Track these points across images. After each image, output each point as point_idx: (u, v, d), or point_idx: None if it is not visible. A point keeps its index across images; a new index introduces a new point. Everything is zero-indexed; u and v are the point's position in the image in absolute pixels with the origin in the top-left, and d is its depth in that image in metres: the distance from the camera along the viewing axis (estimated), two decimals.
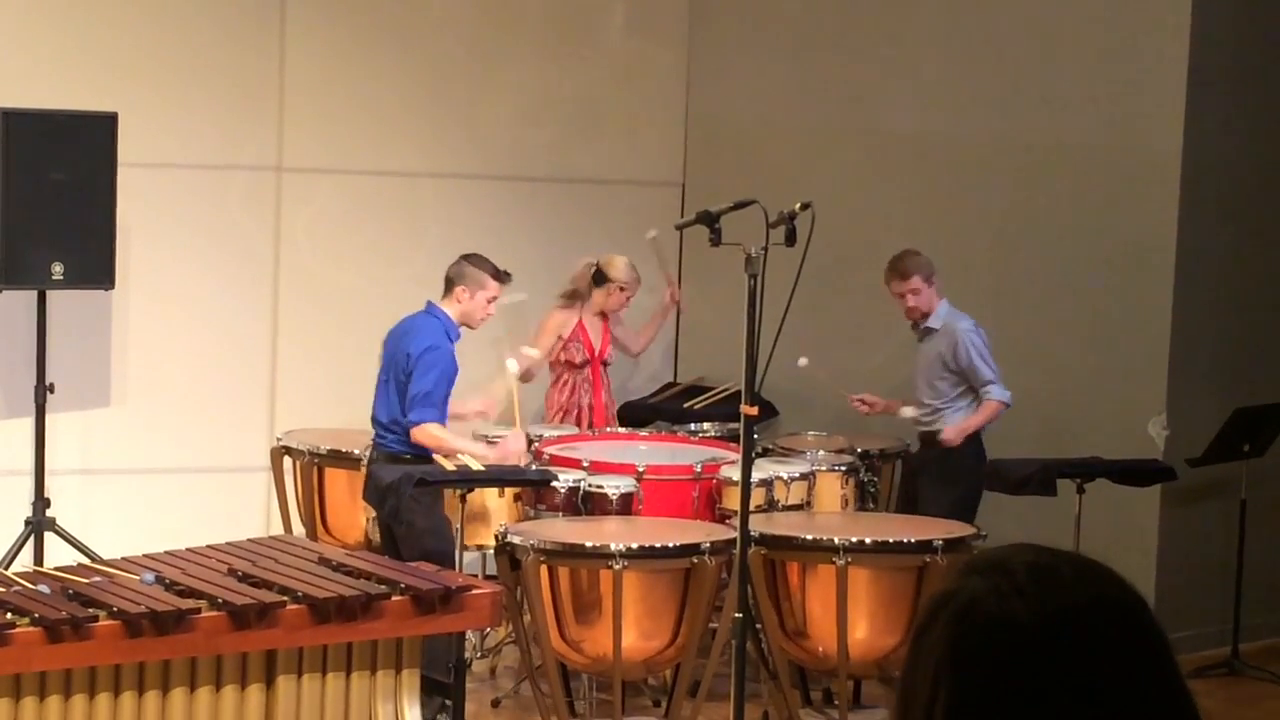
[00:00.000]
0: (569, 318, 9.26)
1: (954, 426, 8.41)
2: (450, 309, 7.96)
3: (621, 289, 9.27)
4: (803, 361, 8.53)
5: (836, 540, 7.31)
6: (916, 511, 8.28)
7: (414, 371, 7.75)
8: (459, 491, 7.73)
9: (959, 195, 9.55)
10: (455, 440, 7.87)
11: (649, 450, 8.60)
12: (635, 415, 9.65)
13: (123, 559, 6.37)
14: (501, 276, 8.00)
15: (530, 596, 7.23)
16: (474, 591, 6.23)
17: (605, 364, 9.36)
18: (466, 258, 8.04)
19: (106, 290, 8.93)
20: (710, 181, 10.17)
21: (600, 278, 9.30)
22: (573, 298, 9.31)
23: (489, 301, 7.97)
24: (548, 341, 9.23)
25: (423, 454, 7.84)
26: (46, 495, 8.88)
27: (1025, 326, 9.24)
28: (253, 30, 9.63)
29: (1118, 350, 9.03)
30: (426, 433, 7.73)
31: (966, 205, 9.52)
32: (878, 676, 7.79)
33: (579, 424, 9.20)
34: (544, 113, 10.23)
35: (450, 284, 7.98)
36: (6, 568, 8.13)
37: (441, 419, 7.76)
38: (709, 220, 6.69)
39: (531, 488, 7.95)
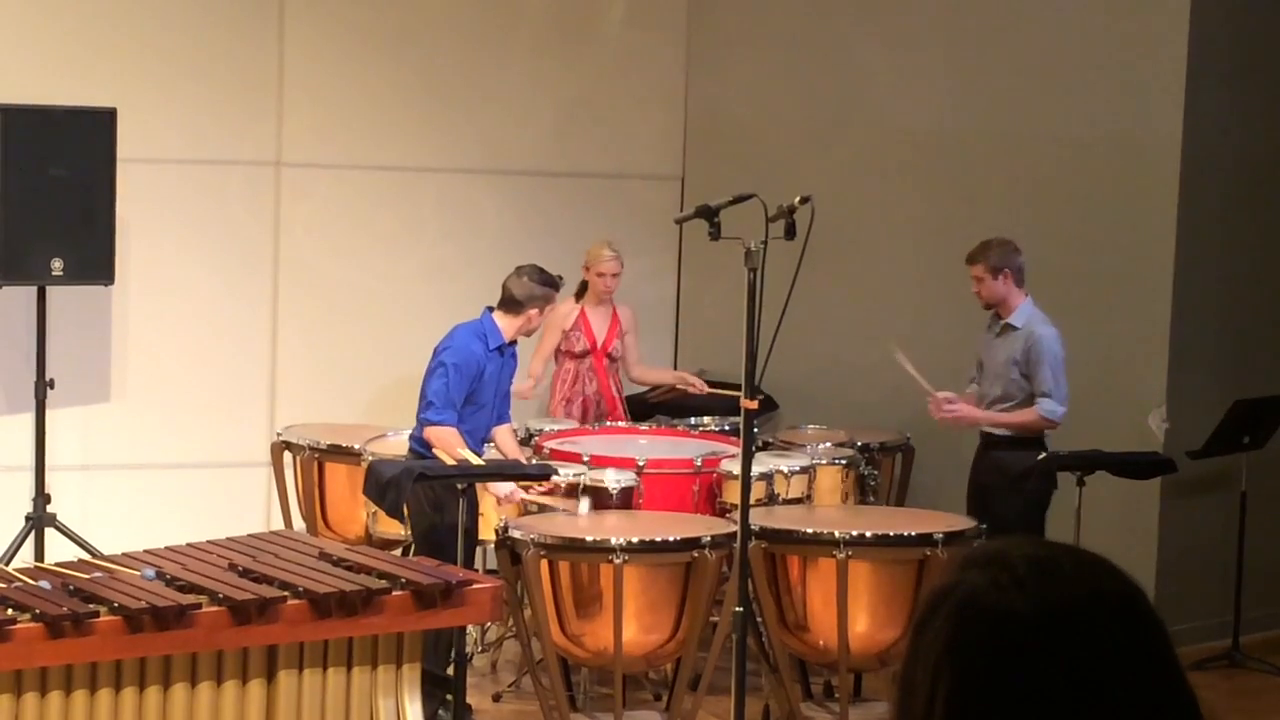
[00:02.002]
0: (570, 310, 9.25)
1: (969, 411, 8.19)
2: (507, 322, 7.90)
3: (599, 274, 9.20)
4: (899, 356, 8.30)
5: (837, 534, 7.31)
6: (985, 517, 8.10)
7: (431, 372, 7.79)
8: (460, 486, 7.73)
9: (958, 189, 9.54)
10: (457, 450, 7.81)
11: (649, 444, 8.61)
12: (636, 409, 9.64)
13: (123, 554, 6.37)
14: (559, 284, 8.08)
15: (531, 591, 7.23)
16: (475, 586, 6.24)
17: (610, 355, 9.32)
18: (533, 278, 7.94)
19: (106, 286, 8.92)
20: (709, 175, 10.17)
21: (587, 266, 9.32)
22: (581, 290, 9.32)
23: (550, 310, 8.08)
24: (552, 337, 9.24)
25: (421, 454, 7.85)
26: (47, 491, 8.89)
27: None
28: (252, 25, 9.63)
29: (1118, 343, 9.03)
30: (436, 433, 7.74)
31: (966, 199, 9.52)
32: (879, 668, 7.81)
33: (583, 414, 9.18)
34: (543, 107, 10.23)
35: (518, 305, 7.89)
36: (7, 564, 8.14)
37: (450, 421, 7.74)
38: (708, 214, 6.70)
39: (532, 482, 7.94)
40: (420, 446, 7.84)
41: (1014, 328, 8.27)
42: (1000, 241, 8.33)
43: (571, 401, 9.19)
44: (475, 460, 7.75)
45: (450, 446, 7.68)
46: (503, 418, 8.06)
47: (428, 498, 7.66)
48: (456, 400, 7.75)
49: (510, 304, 7.92)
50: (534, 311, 7.92)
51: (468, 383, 7.77)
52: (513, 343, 7.98)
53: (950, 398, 8.26)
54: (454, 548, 7.25)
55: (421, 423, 7.79)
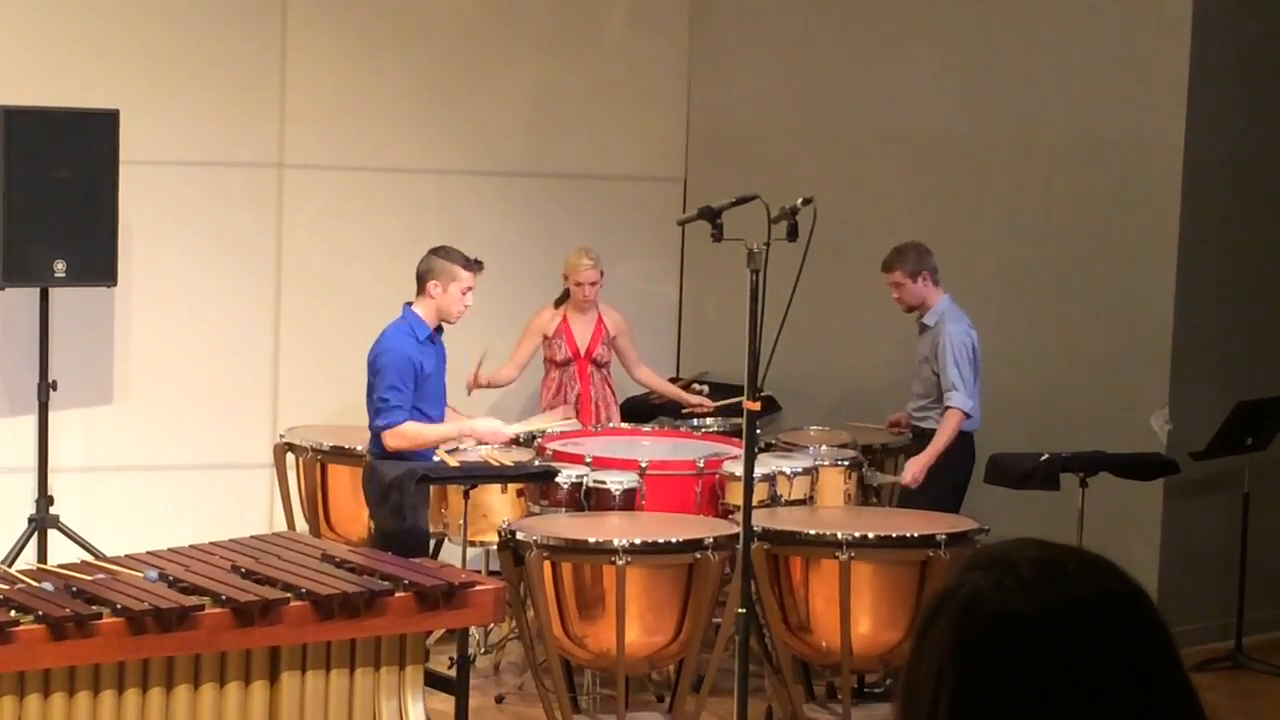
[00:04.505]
0: (551, 317, 9.24)
1: (916, 464, 8.33)
2: (423, 306, 7.92)
3: (577, 284, 9.12)
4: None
5: (839, 535, 7.31)
6: (908, 503, 8.29)
7: (373, 375, 7.79)
8: (463, 488, 7.75)
9: (961, 190, 9.55)
10: (427, 431, 7.84)
11: (652, 446, 8.61)
12: (638, 411, 9.64)
13: (126, 556, 6.38)
14: (472, 265, 7.92)
15: (534, 592, 7.23)
16: (477, 587, 6.24)
17: (595, 361, 9.29)
18: (435, 251, 7.99)
19: (109, 287, 8.93)
20: (712, 177, 10.17)
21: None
22: (563, 298, 9.28)
23: (464, 293, 7.90)
24: (529, 342, 9.24)
25: (400, 455, 7.83)
26: (50, 493, 8.89)
27: (1028, 321, 9.25)
28: (254, 27, 9.63)
29: (1120, 344, 9.03)
30: (397, 435, 7.72)
31: (968, 200, 9.52)
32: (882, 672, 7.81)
33: None
34: (545, 108, 10.23)
35: (421, 280, 7.92)
36: (10, 565, 8.14)
37: (400, 419, 7.72)
38: (711, 216, 6.70)
39: (535, 483, 7.95)
40: (380, 452, 7.82)
41: (928, 326, 8.54)
42: (912, 245, 8.62)
43: (554, 409, 9.18)
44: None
45: (418, 438, 7.72)
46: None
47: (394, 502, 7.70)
48: (404, 400, 7.74)
49: (418, 284, 7.95)
50: (432, 283, 7.86)
51: (411, 380, 7.77)
52: (438, 329, 7.97)
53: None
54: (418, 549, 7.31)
55: (376, 431, 7.76)
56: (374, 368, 7.80)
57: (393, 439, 7.72)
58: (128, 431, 9.47)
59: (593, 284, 9.14)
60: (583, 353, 9.21)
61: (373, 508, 7.87)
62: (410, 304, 7.96)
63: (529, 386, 9.54)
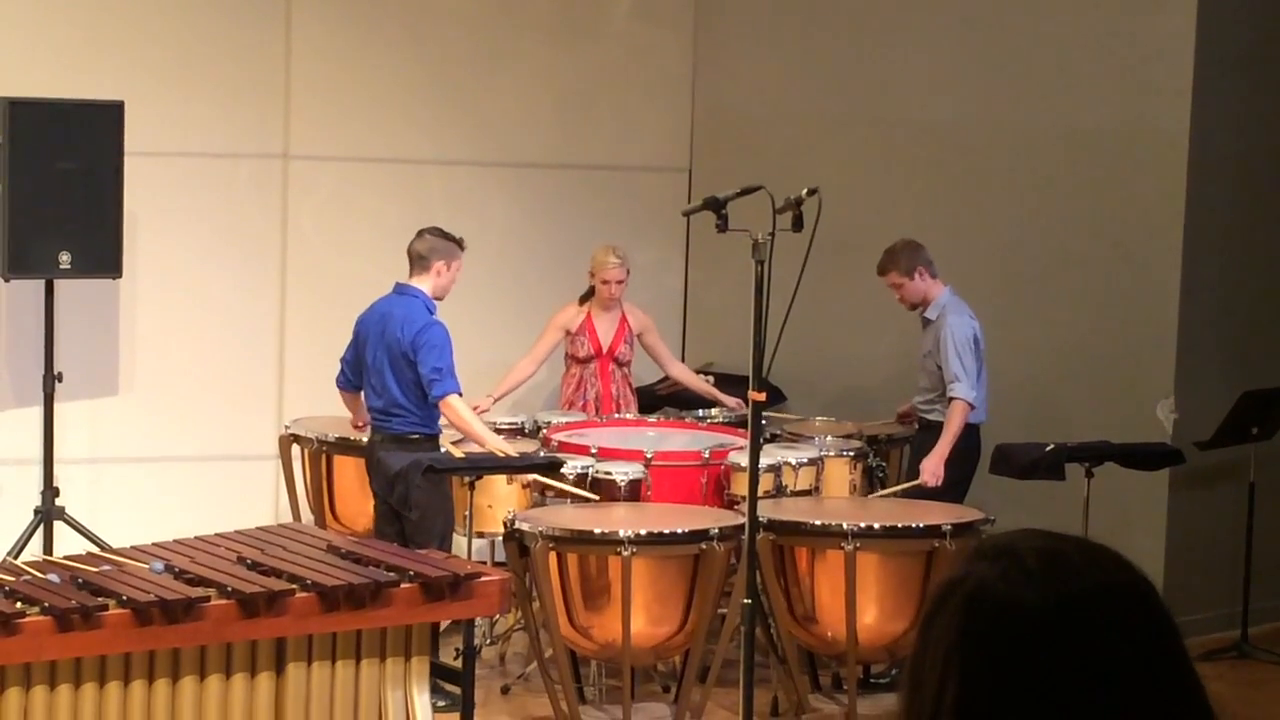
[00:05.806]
0: (575, 313, 9.22)
1: (930, 461, 8.28)
2: (425, 284, 8.00)
3: (603, 281, 9.08)
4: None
5: (845, 525, 7.31)
6: (914, 493, 8.30)
7: (419, 351, 7.79)
8: (466, 479, 7.75)
9: (966, 180, 9.54)
10: (476, 423, 7.92)
11: (657, 436, 8.61)
12: (643, 402, 9.63)
13: (132, 547, 6.37)
14: (462, 245, 8.13)
15: (539, 583, 7.24)
16: (483, 578, 6.24)
17: (617, 360, 9.27)
18: (431, 232, 8.10)
19: (114, 279, 8.93)
20: (717, 167, 10.17)
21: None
22: (587, 295, 9.25)
23: (458, 271, 8.06)
24: (550, 337, 9.23)
25: (428, 434, 7.88)
26: (55, 484, 8.89)
27: (1033, 311, 9.24)
28: (259, 18, 9.63)
29: (1126, 334, 9.02)
30: (451, 406, 7.80)
31: (974, 190, 9.51)
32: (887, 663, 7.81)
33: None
34: (550, 99, 10.23)
35: (425, 260, 8.00)
36: (16, 557, 8.15)
37: (459, 389, 7.84)
38: (716, 206, 6.70)
39: (540, 474, 7.96)
40: (411, 428, 7.86)
41: (930, 320, 8.55)
42: (902, 243, 8.61)
43: (574, 405, 9.19)
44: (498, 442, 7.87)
45: (463, 424, 7.83)
46: None
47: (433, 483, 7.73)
48: (452, 370, 7.83)
49: (418, 263, 8.01)
50: (440, 264, 8.00)
51: (451, 354, 7.87)
52: None
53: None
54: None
55: (436, 398, 7.80)
56: (416, 344, 7.83)
57: (446, 408, 7.81)
58: (133, 423, 9.48)
59: (619, 282, 9.10)
60: (605, 350, 9.18)
61: (387, 493, 7.88)
62: (404, 283, 7.99)
63: (553, 379, 9.55)
